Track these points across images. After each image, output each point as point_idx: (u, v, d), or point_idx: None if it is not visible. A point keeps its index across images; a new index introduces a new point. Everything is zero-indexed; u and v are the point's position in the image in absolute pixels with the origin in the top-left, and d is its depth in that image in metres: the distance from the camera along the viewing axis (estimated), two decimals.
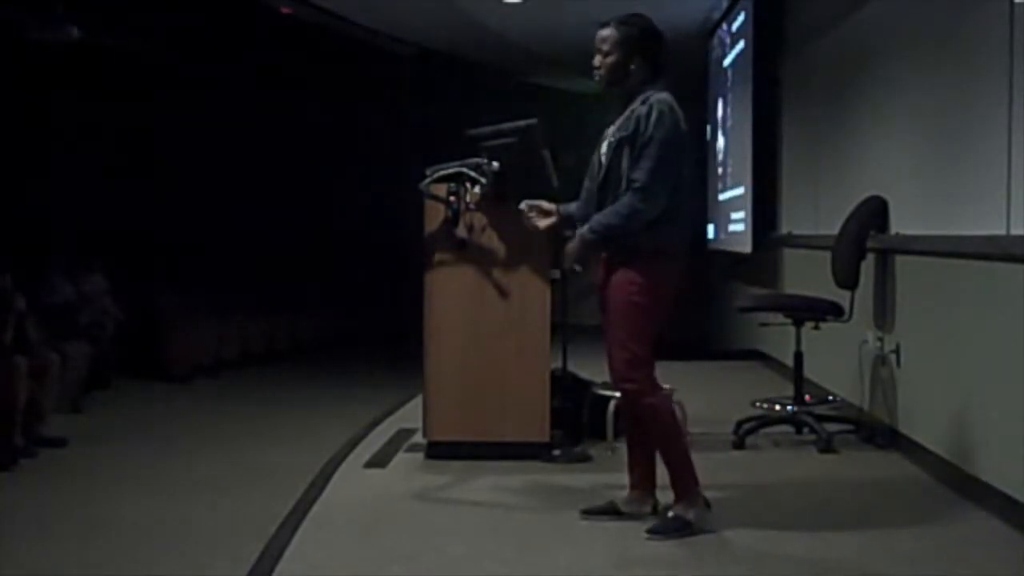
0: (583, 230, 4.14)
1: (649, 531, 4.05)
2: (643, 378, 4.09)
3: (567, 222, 4.36)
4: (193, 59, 10.88)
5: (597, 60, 4.22)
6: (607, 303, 4.16)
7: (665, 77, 4.19)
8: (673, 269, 4.13)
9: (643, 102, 4.08)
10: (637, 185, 4.01)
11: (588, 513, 4.28)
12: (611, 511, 4.26)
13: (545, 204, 4.43)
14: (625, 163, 4.06)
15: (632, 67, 4.14)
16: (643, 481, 4.27)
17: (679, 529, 4.03)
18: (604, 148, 4.18)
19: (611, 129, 4.19)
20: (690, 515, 4.06)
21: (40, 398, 6.33)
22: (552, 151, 5.07)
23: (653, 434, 4.16)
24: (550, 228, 4.43)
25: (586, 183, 4.31)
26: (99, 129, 10.09)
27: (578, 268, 4.28)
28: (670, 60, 4.21)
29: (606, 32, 4.20)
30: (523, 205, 4.46)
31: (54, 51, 9.14)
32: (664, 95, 4.09)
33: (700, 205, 10.86)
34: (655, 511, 4.22)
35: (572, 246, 4.18)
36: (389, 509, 4.58)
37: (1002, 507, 4.23)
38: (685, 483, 4.09)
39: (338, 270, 12.68)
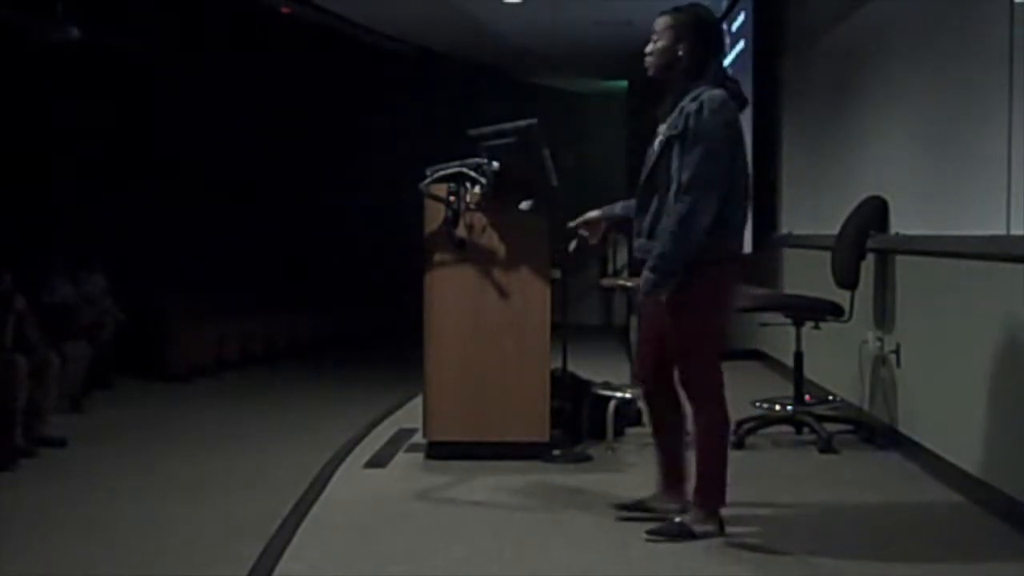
0: (645, 274, 3.94)
1: (649, 532, 4.04)
2: (712, 389, 4.04)
3: (622, 224, 4.26)
4: (193, 59, 10.87)
5: (648, 47, 4.07)
6: (659, 308, 4.01)
7: (720, 71, 4.06)
8: (734, 276, 4.07)
9: (693, 99, 3.93)
10: (681, 192, 3.87)
11: (624, 508, 4.25)
12: (641, 508, 4.25)
13: (592, 215, 4.37)
14: (675, 163, 3.91)
15: (679, 52, 3.98)
16: (672, 478, 4.24)
17: (680, 535, 4.00)
18: (655, 145, 4.04)
19: (662, 126, 4.04)
20: (697, 528, 4.02)
21: (40, 398, 6.32)
22: (552, 151, 5.07)
23: (698, 441, 4.08)
24: (604, 238, 4.38)
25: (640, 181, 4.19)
26: (99, 129, 10.09)
27: (663, 296, 3.97)
28: (722, 57, 4.10)
29: (659, 19, 4.07)
30: (575, 224, 4.40)
31: (54, 51, 9.14)
32: (716, 92, 3.93)
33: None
34: (684, 510, 4.15)
35: (640, 298, 4.01)
36: (389, 509, 4.58)
37: (1003, 507, 4.23)
38: (708, 501, 4.04)
39: (338, 270, 12.67)
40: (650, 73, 4.09)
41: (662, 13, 4.08)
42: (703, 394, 4.05)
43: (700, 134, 3.87)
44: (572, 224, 4.43)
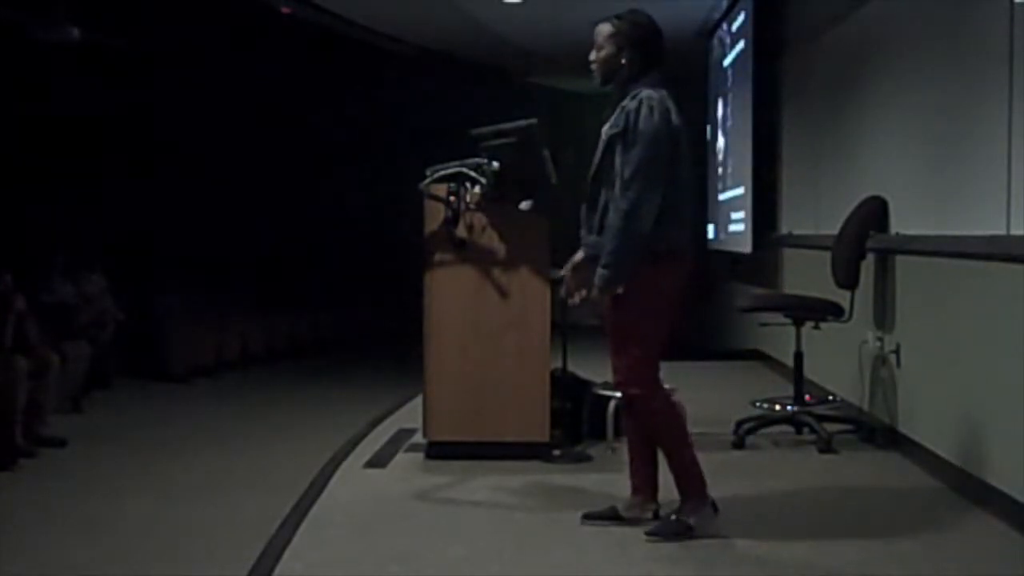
0: (599, 271, 4.00)
1: (648, 532, 4.05)
2: (647, 382, 4.06)
3: (594, 258, 4.14)
4: (193, 59, 10.88)
5: (592, 55, 4.21)
6: (610, 305, 4.10)
7: (661, 75, 4.12)
8: (676, 269, 4.08)
9: (632, 98, 4.05)
10: (623, 187, 3.97)
11: (589, 518, 4.25)
12: (612, 516, 4.22)
13: (578, 257, 4.25)
14: (617, 160, 4.02)
15: (622, 60, 4.12)
16: (645, 486, 4.23)
17: (679, 533, 4.01)
18: (599, 145, 4.15)
19: (605, 126, 4.15)
20: (692, 520, 4.02)
21: (40, 398, 6.33)
22: (552, 151, 5.07)
23: (658, 438, 4.12)
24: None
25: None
26: (99, 129, 10.10)
27: (620, 290, 4.02)
28: (669, 59, 4.17)
29: (600, 27, 4.21)
30: (564, 271, 4.29)
31: (54, 51, 9.15)
32: (653, 91, 4.04)
33: (700, 205, 10.85)
34: (656, 516, 4.18)
35: (595, 295, 4.03)
36: (389, 509, 4.58)
37: (1003, 507, 4.23)
38: (690, 487, 4.06)
39: (338, 270, 12.68)
40: (598, 81, 4.22)
41: (603, 21, 4.20)
42: (637, 387, 4.06)
43: (640, 132, 3.98)
44: (561, 272, 4.38)
